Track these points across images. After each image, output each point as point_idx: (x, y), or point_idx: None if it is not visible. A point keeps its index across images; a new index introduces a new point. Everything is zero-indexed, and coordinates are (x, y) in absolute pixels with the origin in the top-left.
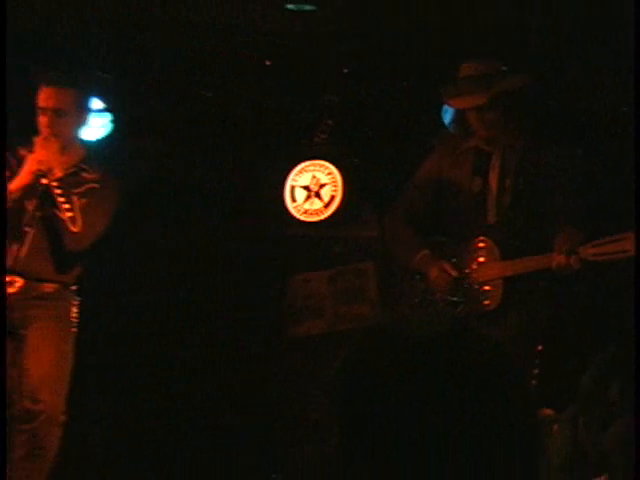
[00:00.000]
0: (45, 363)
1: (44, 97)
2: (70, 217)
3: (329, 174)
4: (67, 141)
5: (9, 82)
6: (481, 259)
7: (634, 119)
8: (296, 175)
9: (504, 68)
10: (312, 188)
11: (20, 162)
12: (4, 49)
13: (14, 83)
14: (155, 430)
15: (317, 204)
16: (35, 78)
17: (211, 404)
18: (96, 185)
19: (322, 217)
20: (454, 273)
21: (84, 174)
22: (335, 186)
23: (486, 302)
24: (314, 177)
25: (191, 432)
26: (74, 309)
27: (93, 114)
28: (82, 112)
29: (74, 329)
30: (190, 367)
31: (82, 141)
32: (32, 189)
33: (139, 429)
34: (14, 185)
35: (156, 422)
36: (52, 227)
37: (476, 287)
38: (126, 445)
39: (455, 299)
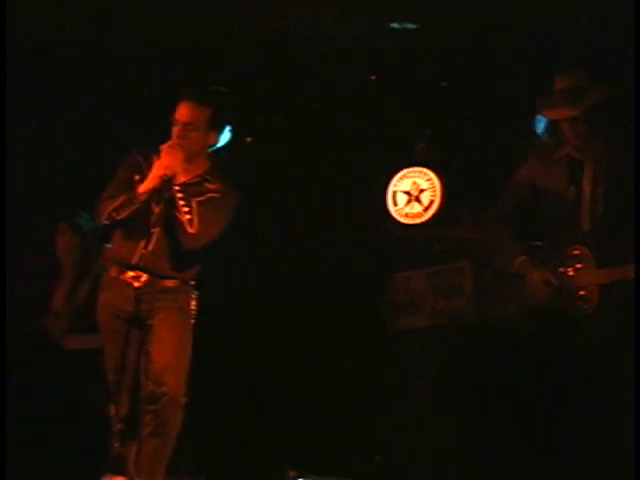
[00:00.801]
0: (168, 350)
1: (181, 111)
2: (188, 219)
3: (428, 180)
4: (192, 153)
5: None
6: (578, 265)
7: (634, 119)
8: (398, 181)
9: (593, 80)
10: (412, 193)
11: (150, 167)
12: (4, 49)
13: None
14: (263, 415)
15: (417, 208)
16: (179, 93)
17: (319, 393)
18: (216, 195)
19: (422, 220)
20: (555, 281)
21: (206, 184)
22: (434, 191)
23: (585, 306)
24: (414, 183)
25: (295, 418)
26: (193, 302)
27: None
28: (213, 130)
29: (192, 320)
30: (300, 359)
31: (208, 155)
32: (158, 193)
33: (249, 412)
34: (143, 188)
35: (266, 407)
36: (173, 228)
37: (573, 292)
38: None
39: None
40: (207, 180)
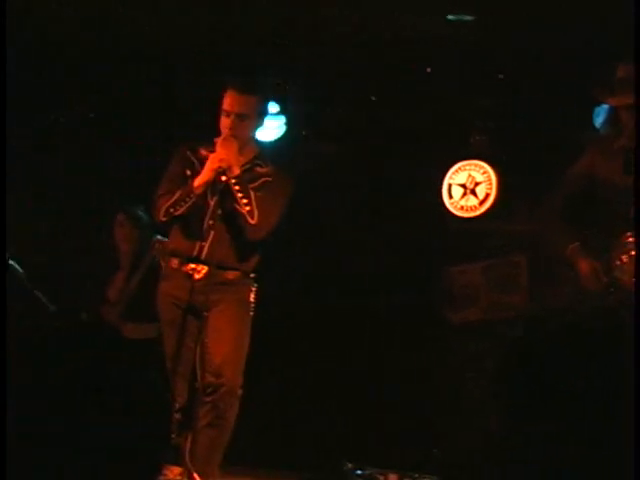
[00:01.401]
0: (227, 342)
1: (230, 102)
2: (248, 211)
3: (484, 173)
4: (244, 142)
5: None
6: (632, 252)
7: (635, 118)
8: (453, 174)
9: None
10: (468, 186)
11: (201, 162)
12: (4, 50)
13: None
14: (320, 408)
15: (472, 201)
16: (224, 84)
17: (375, 386)
18: (269, 178)
19: (477, 213)
20: (602, 274)
21: (257, 168)
22: (490, 184)
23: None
24: (470, 176)
25: (352, 411)
26: (252, 294)
27: (269, 117)
28: (260, 116)
29: (251, 312)
30: (355, 352)
31: (256, 140)
32: (213, 186)
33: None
34: (198, 182)
35: (323, 399)
36: (232, 220)
37: (626, 279)
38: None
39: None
40: (258, 164)
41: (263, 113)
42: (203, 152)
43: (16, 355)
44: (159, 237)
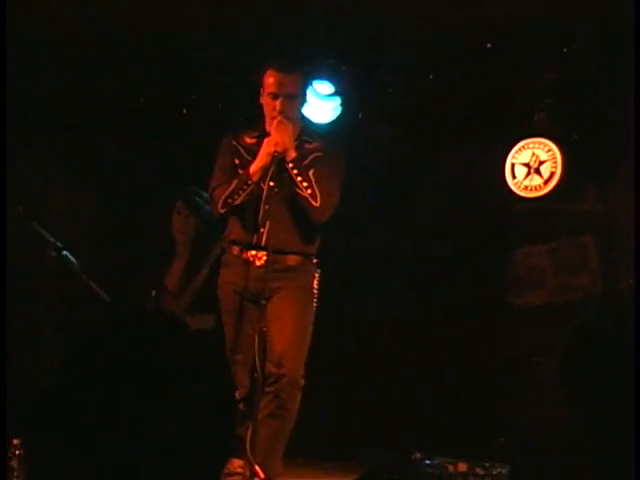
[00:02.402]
0: (287, 330)
1: (275, 83)
2: (310, 193)
3: (549, 151)
4: (296, 122)
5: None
6: None
7: (634, 118)
8: (516, 153)
9: None
10: (532, 165)
11: (247, 149)
12: (4, 49)
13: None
14: (387, 398)
15: (537, 180)
16: (266, 66)
17: (440, 374)
18: (319, 154)
19: (542, 193)
20: None
21: (306, 145)
22: (554, 163)
23: None
24: (534, 154)
25: (418, 400)
26: (315, 281)
27: (323, 98)
28: (305, 94)
29: (315, 299)
30: (419, 339)
31: (301, 116)
32: (269, 170)
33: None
34: (254, 168)
35: (389, 389)
36: (293, 204)
37: None
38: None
39: None
40: (305, 141)
41: (306, 89)
42: (247, 139)
43: (72, 348)
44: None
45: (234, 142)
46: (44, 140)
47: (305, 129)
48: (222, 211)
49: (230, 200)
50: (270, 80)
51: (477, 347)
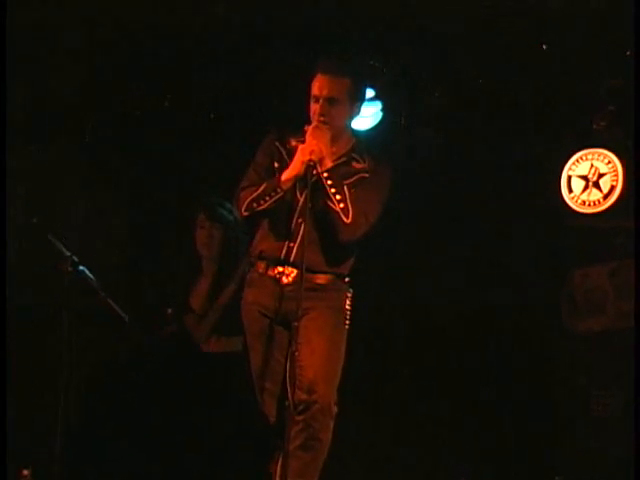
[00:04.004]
0: (319, 354)
1: (318, 85)
2: (342, 208)
3: (609, 163)
4: (338, 130)
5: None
6: None
7: (634, 119)
8: (573, 164)
9: None
10: (590, 178)
11: (290, 153)
12: (4, 49)
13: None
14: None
15: (595, 195)
16: (311, 67)
17: (489, 398)
18: (366, 175)
19: (601, 208)
20: None
21: (354, 163)
22: (615, 175)
23: None
24: (592, 166)
25: (463, 424)
26: (347, 301)
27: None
28: (354, 101)
29: (347, 321)
30: (469, 363)
31: (352, 130)
32: (303, 180)
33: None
34: (285, 175)
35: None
36: (325, 218)
37: None
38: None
39: None
40: (354, 159)
41: (358, 99)
42: (293, 142)
43: (90, 372)
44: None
45: (277, 143)
46: (60, 149)
47: (356, 146)
48: (245, 214)
49: (255, 204)
50: (315, 82)
51: (531, 373)
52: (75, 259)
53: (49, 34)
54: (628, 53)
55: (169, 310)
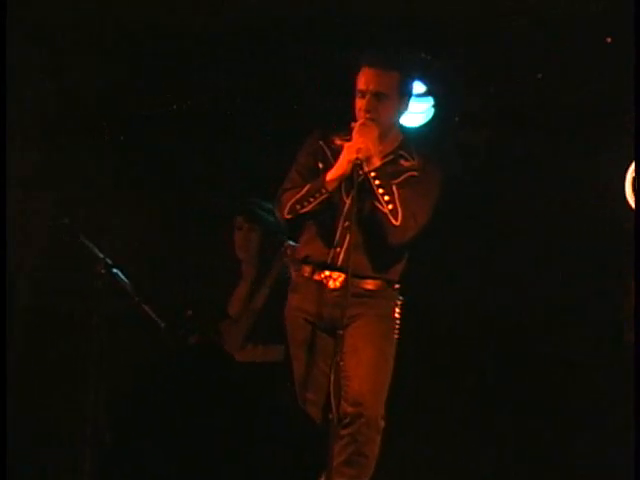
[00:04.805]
0: (366, 365)
1: (365, 79)
2: (391, 209)
3: None
4: (386, 127)
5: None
6: None
7: (635, 119)
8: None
9: None
10: None
11: (335, 153)
12: (4, 49)
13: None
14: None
15: None
16: (357, 60)
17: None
18: (415, 173)
19: None
20: None
21: (402, 161)
22: None
23: None
24: None
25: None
26: (397, 309)
27: (414, 99)
28: (403, 97)
29: (396, 330)
30: (535, 380)
31: (400, 127)
32: (350, 180)
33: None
34: (330, 175)
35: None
36: (373, 220)
37: None
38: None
39: None
40: (402, 156)
41: (407, 94)
42: (338, 141)
43: (124, 381)
44: (290, 242)
45: (321, 142)
46: (91, 149)
47: (404, 143)
48: (287, 217)
49: (298, 206)
50: (361, 77)
51: (599, 391)
52: (109, 261)
53: (61, 33)
54: None
55: (189, 312)
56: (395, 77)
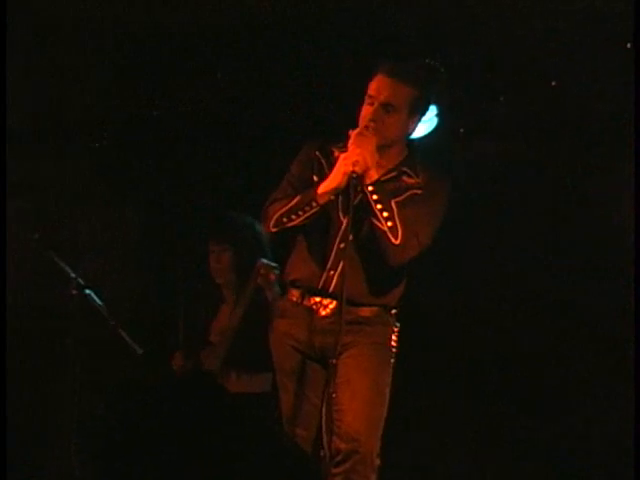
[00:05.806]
0: (360, 397)
1: (377, 86)
2: (390, 227)
3: None
4: (388, 141)
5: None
6: None
7: (634, 119)
8: None
9: None
10: None
11: (332, 165)
12: (4, 49)
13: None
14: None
15: None
16: (374, 66)
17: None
18: (418, 191)
19: None
20: None
21: (405, 178)
22: None
23: None
24: None
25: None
26: (393, 336)
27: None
28: (413, 115)
29: (392, 359)
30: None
31: (404, 143)
32: (345, 195)
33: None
34: (323, 188)
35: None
36: (370, 239)
37: None
38: None
39: None
40: (405, 173)
41: (418, 113)
42: (336, 153)
43: (99, 409)
44: (264, 261)
45: (317, 153)
46: (62, 154)
47: (409, 158)
48: (273, 230)
49: (285, 219)
50: (372, 84)
51: (592, 397)
52: (81, 281)
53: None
54: None
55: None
56: (410, 92)
